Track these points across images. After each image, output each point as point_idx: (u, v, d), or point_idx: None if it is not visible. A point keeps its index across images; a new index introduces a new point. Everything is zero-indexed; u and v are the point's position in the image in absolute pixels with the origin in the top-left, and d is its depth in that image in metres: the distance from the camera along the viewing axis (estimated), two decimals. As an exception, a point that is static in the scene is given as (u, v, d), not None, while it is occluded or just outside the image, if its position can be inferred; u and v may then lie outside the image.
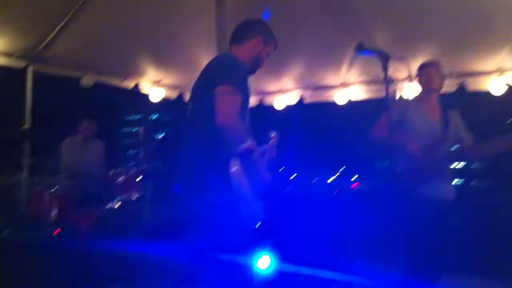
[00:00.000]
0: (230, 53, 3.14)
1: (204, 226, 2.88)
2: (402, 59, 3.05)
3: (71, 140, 6.41)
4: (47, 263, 3.57)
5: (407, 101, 4.57)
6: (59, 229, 3.82)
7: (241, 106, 2.80)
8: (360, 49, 3.00)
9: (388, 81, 2.93)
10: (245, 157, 2.74)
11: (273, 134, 3.30)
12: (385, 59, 2.97)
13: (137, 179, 5.77)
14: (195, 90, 3.04)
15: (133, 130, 6.13)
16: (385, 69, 2.98)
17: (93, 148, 6.46)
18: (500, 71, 6.13)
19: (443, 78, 4.48)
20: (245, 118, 2.93)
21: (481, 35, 5.84)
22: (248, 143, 2.73)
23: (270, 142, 3.26)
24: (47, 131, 5.84)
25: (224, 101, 2.72)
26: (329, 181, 6.25)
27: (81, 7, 6.32)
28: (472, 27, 5.81)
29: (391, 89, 6.79)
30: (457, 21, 5.82)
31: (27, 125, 6.42)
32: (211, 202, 2.79)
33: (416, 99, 4.50)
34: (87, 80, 7.20)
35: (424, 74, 4.43)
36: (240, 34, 3.21)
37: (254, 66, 3.21)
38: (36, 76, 6.87)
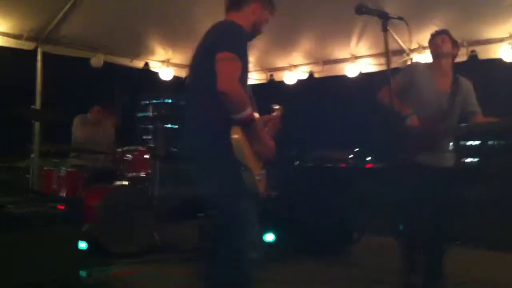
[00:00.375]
0: (230, 20, 3.04)
1: (207, 196, 2.89)
2: (401, 18, 2.99)
3: (81, 118, 6.45)
4: (52, 236, 3.63)
5: (418, 66, 4.50)
6: (64, 205, 3.85)
7: (241, 73, 2.75)
8: (360, 10, 2.94)
9: (388, 41, 2.87)
10: (247, 124, 2.69)
11: (277, 107, 3.27)
12: (385, 19, 2.91)
13: (146, 157, 5.78)
14: (195, 59, 2.99)
15: (143, 109, 6.09)
16: (385, 29, 2.92)
17: (105, 126, 6.51)
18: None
19: (455, 46, 4.42)
20: (245, 86, 2.86)
21: (491, 2, 5.72)
22: (250, 110, 2.67)
23: (274, 114, 3.23)
24: (57, 111, 5.84)
25: (225, 68, 2.66)
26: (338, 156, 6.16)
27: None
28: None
29: (403, 59, 6.85)
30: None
31: (37, 105, 6.47)
32: (213, 171, 2.78)
33: (428, 65, 4.45)
34: (97, 61, 7.21)
35: (435, 40, 4.38)
36: (238, 0, 3.12)
37: (253, 32, 3.13)
38: (46, 57, 6.89)
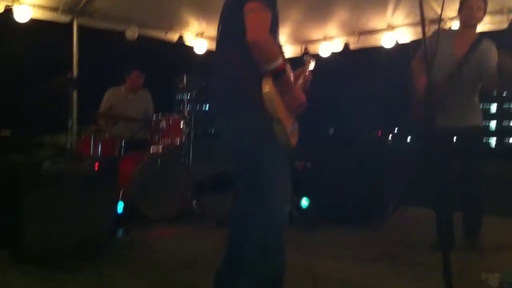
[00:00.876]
0: None
1: (239, 155, 2.84)
2: None
3: (114, 91, 6.48)
4: (86, 194, 3.70)
5: (441, 33, 4.43)
6: (98, 163, 3.93)
7: (271, 24, 2.65)
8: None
9: (423, 7, 2.75)
10: (278, 76, 2.62)
11: (308, 58, 3.20)
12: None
13: (181, 125, 5.81)
14: (223, 12, 2.90)
15: (178, 80, 6.08)
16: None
17: (140, 97, 6.52)
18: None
19: (485, 12, 4.35)
20: (276, 37, 2.78)
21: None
22: (281, 61, 2.59)
23: (305, 66, 3.17)
24: (93, 81, 5.94)
25: (254, 18, 2.57)
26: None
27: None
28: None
29: (439, 28, 6.69)
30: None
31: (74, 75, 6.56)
32: (245, 125, 2.71)
33: (452, 31, 4.43)
34: (131, 33, 7.26)
35: (469, 5, 4.30)
36: None
37: None
38: (81, 29, 6.98)
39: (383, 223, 5.75)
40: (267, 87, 2.60)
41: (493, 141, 76.47)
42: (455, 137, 4.41)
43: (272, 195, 2.70)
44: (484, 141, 4.99)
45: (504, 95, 75.67)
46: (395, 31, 7.16)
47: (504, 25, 6.20)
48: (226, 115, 2.81)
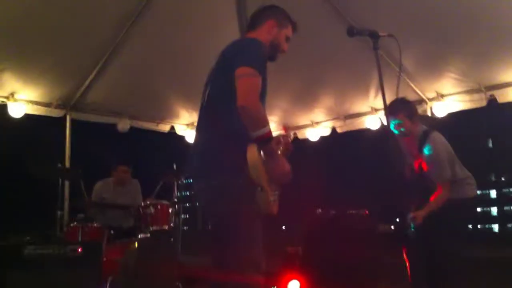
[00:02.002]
0: (249, 36, 3.06)
1: (218, 218, 2.82)
2: (391, 35, 3.08)
3: (103, 183, 6.60)
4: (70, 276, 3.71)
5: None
6: (81, 248, 3.95)
7: (261, 91, 2.70)
8: (351, 32, 3.06)
9: (379, 59, 2.96)
10: (265, 142, 2.63)
11: (288, 131, 3.29)
12: (375, 38, 3.01)
13: (169, 212, 5.84)
14: (213, 74, 2.95)
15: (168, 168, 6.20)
16: (375, 48, 3.01)
17: (128, 189, 6.64)
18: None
19: (411, 113, 4.72)
20: (264, 103, 2.82)
21: (504, 46, 5.77)
22: (269, 127, 2.62)
23: (284, 134, 3.23)
24: (85, 172, 6.05)
25: (245, 83, 2.62)
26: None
27: (112, 54, 6.63)
28: (494, 38, 5.76)
29: (422, 109, 6.88)
30: (479, 32, 5.80)
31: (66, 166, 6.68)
32: (228, 191, 2.70)
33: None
34: (123, 125, 7.46)
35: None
36: (253, 21, 3.16)
37: (273, 51, 3.12)
38: (74, 123, 7.17)
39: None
40: (252, 154, 2.63)
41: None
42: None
43: (249, 266, 2.70)
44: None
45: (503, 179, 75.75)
46: (378, 113, 7.36)
47: (483, 103, 6.39)
48: (208, 177, 2.78)
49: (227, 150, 2.71)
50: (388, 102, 3.55)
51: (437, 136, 4.58)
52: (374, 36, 3.03)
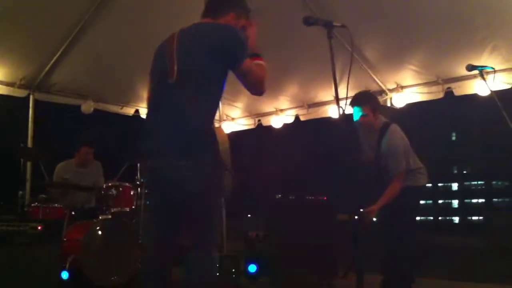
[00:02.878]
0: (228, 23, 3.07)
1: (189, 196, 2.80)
2: (344, 26, 3.19)
3: (65, 164, 6.61)
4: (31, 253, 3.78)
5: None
6: (41, 226, 4.01)
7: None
8: (307, 21, 3.16)
9: (332, 48, 3.08)
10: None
11: None
12: (329, 27, 3.12)
13: (131, 193, 5.88)
14: (184, 51, 2.88)
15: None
16: (329, 37, 3.13)
17: (90, 170, 6.66)
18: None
19: (373, 105, 4.94)
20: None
21: (462, 39, 5.97)
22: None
23: None
24: (47, 151, 6.05)
25: (262, 70, 3.00)
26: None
27: (77, 35, 6.61)
28: (453, 32, 5.96)
29: (383, 99, 7.07)
30: (439, 27, 5.99)
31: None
32: (199, 170, 2.75)
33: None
34: (87, 107, 7.44)
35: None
36: (215, 8, 3.14)
37: None
38: (38, 103, 7.14)
39: (333, 286, 5.84)
40: (223, 134, 2.82)
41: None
42: None
43: (214, 244, 2.84)
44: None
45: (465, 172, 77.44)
46: (340, 102, 7.48)
47: (441, 95, 6.60)
48: (179, 156, 2.76)
49: (199, 130, 2.77)
50: (348, 91, 3.70)
51: (396, 129, 4.75)
52: (328, 26, 3.13)
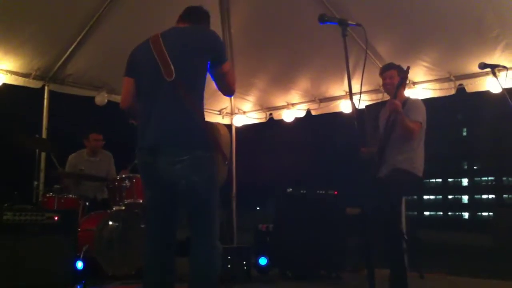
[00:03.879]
0: (209, 28, 3.37)
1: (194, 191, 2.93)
2: (359, 25, 3.24)
3: (76, 155, 6.71)
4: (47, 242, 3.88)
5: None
6: (57, 216, 4.11)
7: None
8: (322, 19, 3.21)
9: (346, 45, 3.14)
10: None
11: None
12: (344, 25, 3.17)
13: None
14: (178, 51, 3.03)
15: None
16: (344, 35, 3.18)
17: (101, 159, 6.76)
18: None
19: (401, 73, 4.86)
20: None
21: (474, 36, 5.98)
22: None
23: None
24: (61, 143, 6.14)
25: (233, 75, 3.25)
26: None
27: (92, 27, 6.68)
28: (465, 29, 5.98)
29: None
30: (451, 25, 6.01)
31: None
32: (202, 164, 2.90)
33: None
34: (101, 99, 7.50)
35: (383, 78, 4.95)
36: (193, 15, 3.33)
37: None
38: (53, 94, 7.22)
39: (341, 280, 5.91)
40: (225, 129, 2.91)
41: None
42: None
43: (216, 237, 2.95)
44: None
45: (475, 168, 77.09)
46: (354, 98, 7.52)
47: (452, 91, 6.63)
48: (180, 151, 2.87)
49: (199, 125, 2.93)
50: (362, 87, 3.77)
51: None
52: (343, 24, 3.19)
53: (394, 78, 4.78)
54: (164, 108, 2.96)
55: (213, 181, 2.95)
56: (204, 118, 2.98)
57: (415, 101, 4.86)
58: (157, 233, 3.07)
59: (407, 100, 4.79)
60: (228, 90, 3.28)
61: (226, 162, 2.95)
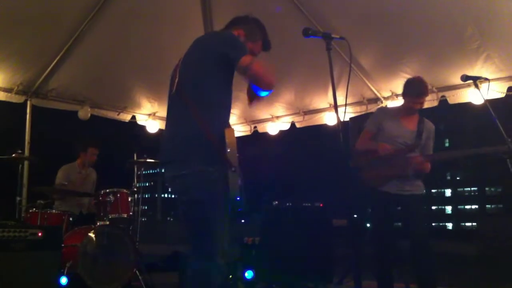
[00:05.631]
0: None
1: (191, 207, 2.89)
2: (342, 38, 3.26)
3: (69, 167, 6.66)
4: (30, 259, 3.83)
5: (385, 110, 4.93)
6: (41, 232, 4.06)
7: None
8: (306, 33, 3.23)
9: (331, 59, 3.15)
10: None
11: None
12: (328, 39, 3.19)
13: (129, 200, 5.94)
14: (184, 62, 3.01)
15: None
16: (328, 48, 3.19)
17: (89, 174, 6.73)
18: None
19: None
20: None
21: (456, 48, 6.05)
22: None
23: None
24: (45, 158, 6.09)
25: (259, 69, 2.82)
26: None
27: (75, 42, 6.65)
28: (447, 41, 6.05)
29: (378, 107, 7.15)
30: (432, 37, 6.08)
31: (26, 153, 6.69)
32: (200, 178, 2.80)
33: (394, 108, 4.87)
34: (84, 113, 7.47)
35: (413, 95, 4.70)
36: (230, 22, 3.27)
37: None
38: (35, 109, 7.16)
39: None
40: (231, 134, 2.80)
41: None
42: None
43: (217, 252, 2.81)
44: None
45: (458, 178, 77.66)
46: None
47: (435, 103, 6.69)
48: (179, 166, 2.84)
49: (196, 138, 2.81)
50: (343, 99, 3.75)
51: None
52: (327, 37, 3.20)
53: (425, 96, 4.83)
54: (169, 122, 3.01)
55: (214, 195, 2.81)
56: (210, 129, 2.80)
57: (432, 127, 4.88)
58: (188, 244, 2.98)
59: (423, 121, 4.81)
60: (261, 84, 2.87)
61: (233, 169, 2.82)
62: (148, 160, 6.24)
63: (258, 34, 3.24)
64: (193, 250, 2.88)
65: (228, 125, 2.90)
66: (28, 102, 7.11)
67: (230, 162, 2.75)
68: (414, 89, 4.72)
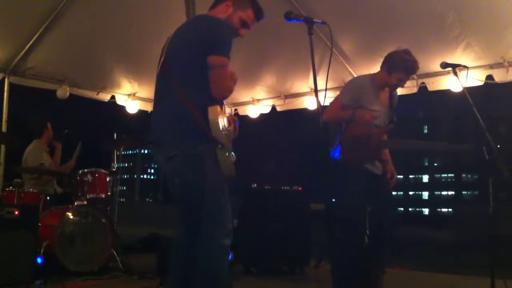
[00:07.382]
0: (217, 16, 3.04)
1: (184, 188, 2.88)
2: (324, 23, 3.24)
3: (36, 146, 6.57)
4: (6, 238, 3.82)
5: (364, 80, 4.71)
6: (18, 210, 4.04)
7: None
8: (288, 16, 3.20)
9: (313, 43, 3.13)
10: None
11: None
12: (310, 23, 3.17)
13: (107, 180, 5.91)
14: (172, 42, 2.97)
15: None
16: (310, 33, 3.17)
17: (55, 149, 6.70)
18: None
19: None
20: None
21: (436, 36, 6.09)
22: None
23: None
24: (22, 137, 6.01)
25: (220, 75, 2.79)
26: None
27: (54, 20, 6.56)
28: (427, 28, 6.09)
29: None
30: (414, 24, 6.12)
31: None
32: (194, 152, 2.76)
33: (371, 78, 4.64)
34: (62, 92, 7.38)
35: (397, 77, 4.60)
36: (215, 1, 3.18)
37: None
38: (13, 87, 7.07)
39: (305, 275, 5.97)
40: (214, 111, 2.75)
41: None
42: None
43: (217, 231, 2.78)
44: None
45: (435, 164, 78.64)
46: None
47: (414, 90, 6.75)
48: (168, 146, 2.82)
49: (184, 117, 2.77)
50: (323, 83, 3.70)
51: None
52: (309, 22, 3.18)
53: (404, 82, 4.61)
54: (158, 103, 2.98)
55: (206, 176, 2.76)
56: (198, 110, 2.75)
57: (397, 95, 4.72)
58: (180, 225, 2.99)
59: (393, 96, 4.65)
60: (216, 88, 2.81)
61: (220, 146, 2.74)
62: (130, 139, 6.19)
63: (246, 2, 3.16)
64: (194, 234, 2.81)
65: (216, 103, 2.82)
66: (6, 80, 7.02)
67: (215, 139, 2.73)
68: (408, 65, 4.47)
